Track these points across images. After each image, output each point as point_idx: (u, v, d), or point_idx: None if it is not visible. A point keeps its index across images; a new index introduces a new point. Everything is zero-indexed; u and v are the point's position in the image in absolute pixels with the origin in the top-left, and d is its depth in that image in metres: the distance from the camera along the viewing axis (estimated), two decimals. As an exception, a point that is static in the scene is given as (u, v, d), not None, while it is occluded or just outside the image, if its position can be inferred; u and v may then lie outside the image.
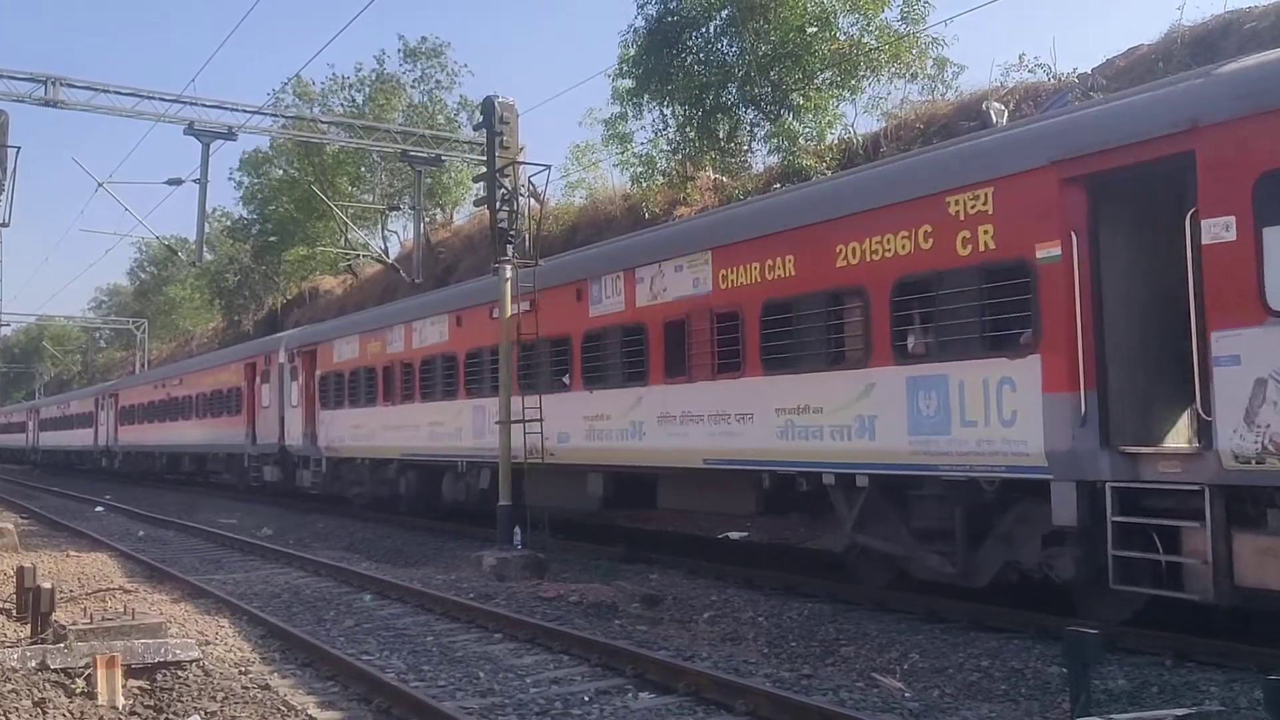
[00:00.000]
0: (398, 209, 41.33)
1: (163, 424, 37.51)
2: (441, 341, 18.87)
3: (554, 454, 15.02)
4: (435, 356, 18.94)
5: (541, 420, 15.20)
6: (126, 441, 43.04)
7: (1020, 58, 22.80)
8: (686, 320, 12.84)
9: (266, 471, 27.04)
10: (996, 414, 9.19)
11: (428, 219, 38.34)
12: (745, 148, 27.46)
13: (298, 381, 25.14)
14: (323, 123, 31.92)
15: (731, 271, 12.26)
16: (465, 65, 47.37)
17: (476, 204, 21.48)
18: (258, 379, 27.90)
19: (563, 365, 15.33)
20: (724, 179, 26.38)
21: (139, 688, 7.59)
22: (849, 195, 11.26)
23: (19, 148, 19.92)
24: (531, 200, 15.96)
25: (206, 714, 7.09)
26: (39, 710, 6.89)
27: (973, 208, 9.53)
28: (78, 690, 7.25)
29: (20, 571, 10.79)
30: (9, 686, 7.09)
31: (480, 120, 16.68)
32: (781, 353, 11.53)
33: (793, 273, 11.39)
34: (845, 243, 10.73)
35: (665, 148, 27.88)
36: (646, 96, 27.28)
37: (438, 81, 40.59)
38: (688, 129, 27.08)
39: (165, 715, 7.12)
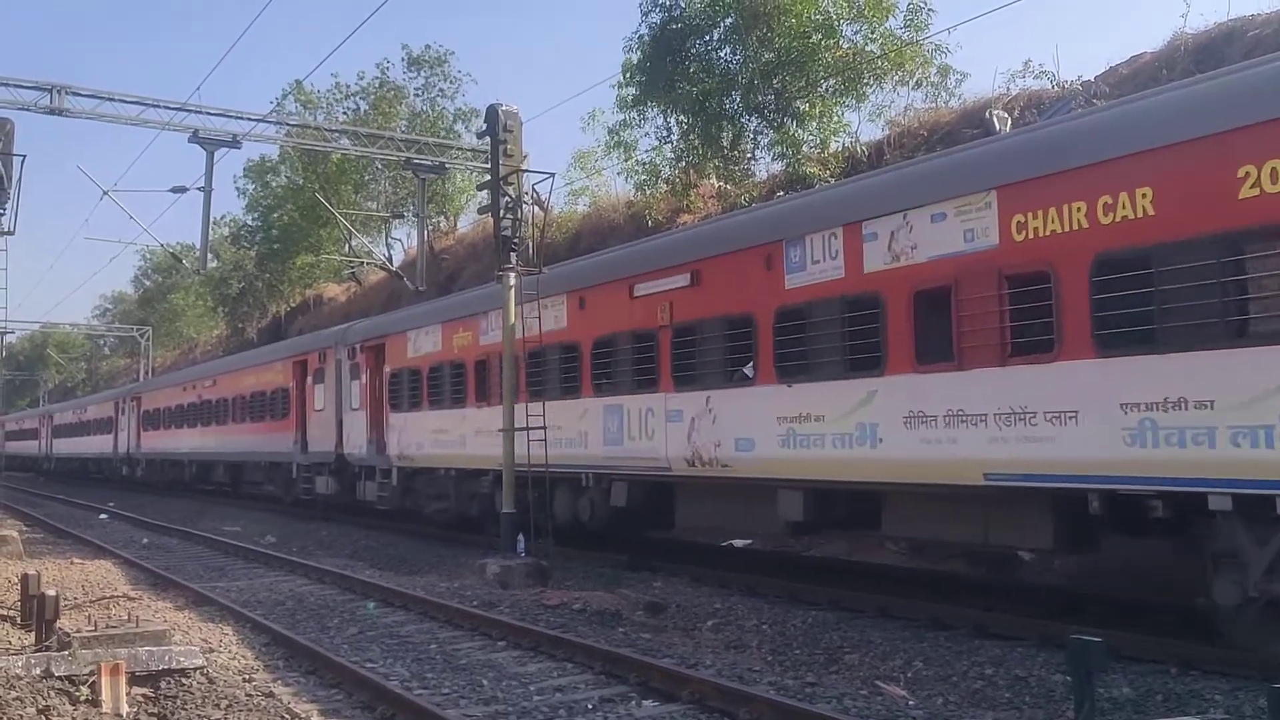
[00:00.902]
0: (401, 216, 41.39)
1: (192, 429, 34.48)
2: (557, 328, 15.73)
3: (729, 465, 12.25)
4: (548, 347, 15.85)
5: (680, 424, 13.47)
6: (150, 449, 39.93)
7: (1026, 64, 22.72)
8: (954, 286, 9.76)
9: (320, 483, 24.13)
10: None
11: (431, 226, 38.37)
12: (749, 155, 27.48)
13: (360, 381, 22.19)
14: (327, 130, 31.94)
15: (1033, 217, 9.17)
16: (469, 74, 47.46)
17: (480, 211, 21.35)
18: (309, 379, 24.98)
19: (742, 352, 12.23)
20: (727, 186, 26.39)
21: (143, 695, 7.60)
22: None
23: (24, 156, 20.01)
24: (535, 208, 15.96)
25: (210, 722, 7.09)
26: (43, 718, 6.90)
27: None
28: (82, 698, 7.26)
29: (25, 579, 10.81)
30: (14, 694, 7.10)
31: (483, 128, 16.72)
32: (1134, 324, 8.41)
33: (1151, 211, 8.31)
34: (1261, 161, 7.61)
35: (669, 155, 27.93)
36: (650, 104, 27.33)
37: (441, 90, 40.69)
38: (691, 136, 27.12)
39: (169, 723, 7.12)
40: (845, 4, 24.76)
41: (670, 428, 13.19)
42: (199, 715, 7.22)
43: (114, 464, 45.50)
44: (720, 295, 12.64)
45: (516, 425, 15.14)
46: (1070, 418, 8.76)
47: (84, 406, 53.98)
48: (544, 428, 14.91)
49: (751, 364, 12.12)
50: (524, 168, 16.03)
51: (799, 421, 11.38)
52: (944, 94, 25.14)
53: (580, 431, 15.04)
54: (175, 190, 29.25)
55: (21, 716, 6.83)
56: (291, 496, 26.65)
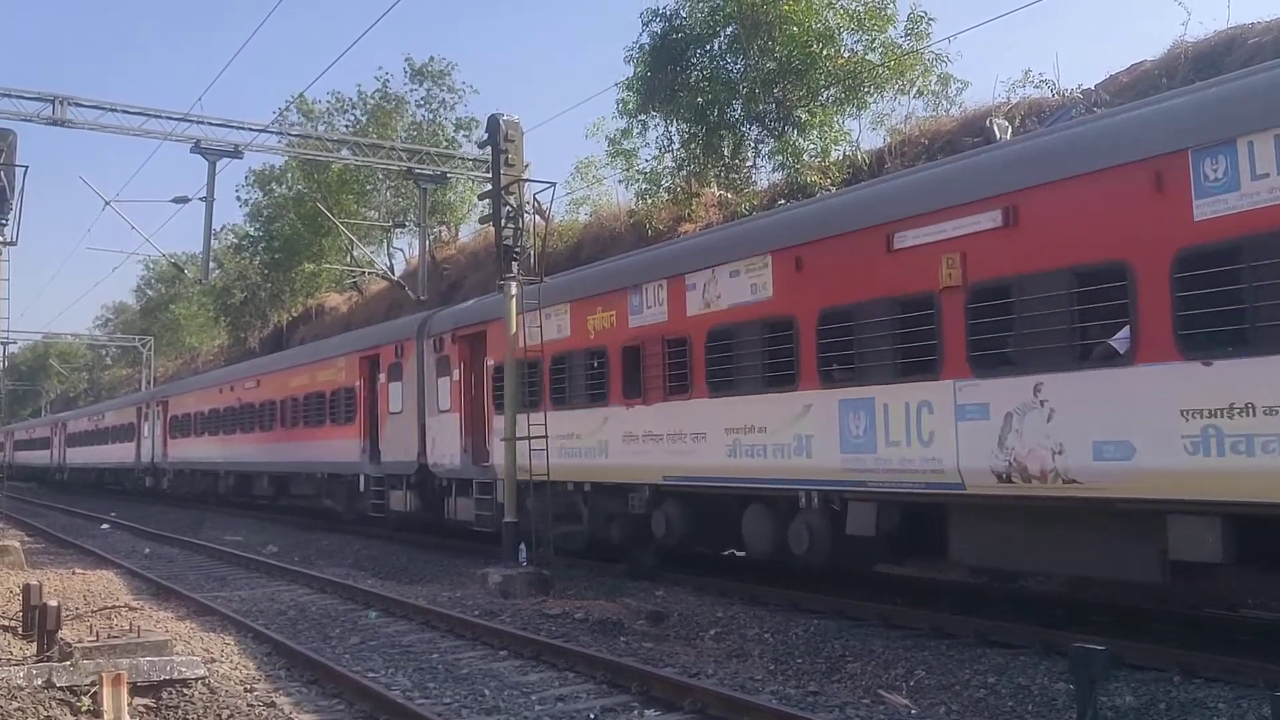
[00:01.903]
0: (403, 226, 41.47)
1: (230, 436, 30.69)
2: (757, 299, 12.06)
3: (1079, 480, 8.61)
4: (740, 324, 12.26)
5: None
6: (179, 458, 35.95)
7: (1026, 73, 22.78)
8: None
9: (395, 499, 20.64)
10: None
11: (432, 236, 38.44)
12: (749, 164, 27.52)
13: (451, 377, 18.41)
14: (328, 141, 32.00)
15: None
16: (471, 86, 47.62)
17: (481, 221, 21.34)
18: (381, 376, 21.32)
19: (1105, 317, 8.68)
20: (728, 195, 26.43)
21: (144, 705, 7.59)
22: None
23: (27, 167, 20.06)
24: (536, 217, 15.98)
25: (212, 732, 7.09)
26: (44, 728, 6.90)
27: None
28: (83, 708, 7.26)
29: (26, 589, 10.79)
30: (15, 705, 7.10)
31: (484, 138, 16.76)
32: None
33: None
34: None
35: (670, 164, 27.96)
36: (651, 112, 27.39)
37: (442, 101, 40.82)
38: (692, 145, 27.16)
39: (170, 733, 7.12)
40: (846, 14, 24.82)
41: (963, 428, 9.61)
42: (200, 725, 7.22)
43: (136, 475, 41.74)
44: (1060, 237, 8.92)
45: (665, 427, 13.09)
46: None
47: (101, 413, 49.84)
48: (545, 436, 14.86)
49: (1127, 332, 8.46)
50: (525, 177, 16.05)
51: (1227, 416, 7.68)
52: (945, 102, 25.20)
53: (797, 436, 11.36)
54: (177, 200, 29.38)
55: (23, 727, 6.83)
56: (356, 513, 23.09)
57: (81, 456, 52.18)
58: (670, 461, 13.16)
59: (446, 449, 18.50)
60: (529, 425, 15.00)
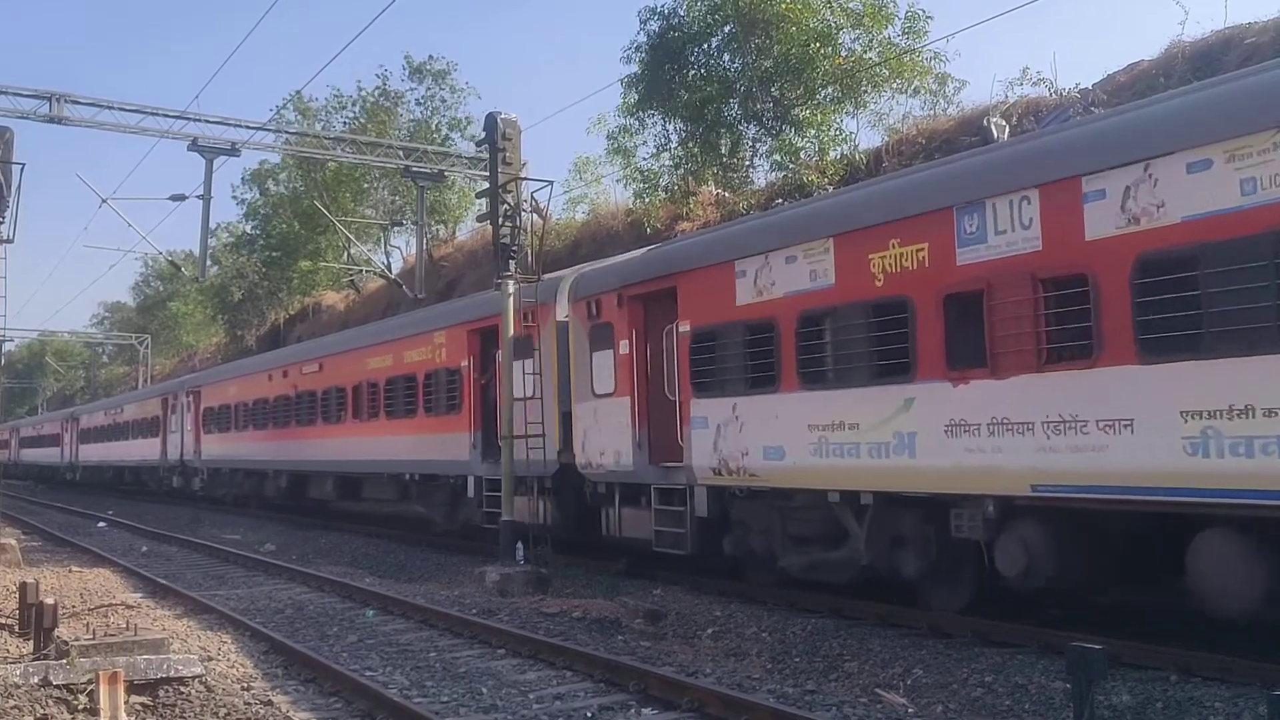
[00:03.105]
0: (400, 224, 41.48)
1: (282, 430, 26.61)
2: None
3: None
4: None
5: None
6: (215, 455, 31.77)
7: (1024, 72, 22.80)
8: None
9: (522, 506, 15.76)
10: None
11: (430, 234, 38.45)
12: (747, 163, 27.54)
13: (614, 350, 14.21)
14: (326, 138, 31.98)
15: None
16: (472, 87, 47.70)
17: (479, 219, 21.34)
18: (501, 352, 16.34)
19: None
20: (726, 194, 26.45)
21: (141, 704, 7.59)
22: None
23: (24, 164, 20.05)
24: (534, 215, 15.99)
25: (209, 730, 7.08)
26: (41, 726, 6.90)
27: None
28: (80, 706, 7.25)
29: (23, 587, 10.79)
30: (11, 703, 7.09)
31: (481, 136, 16.77)
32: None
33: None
34: None
35: (668, 163, 27.99)
36: (650, 110, 27.41)
37: (442, 100, 40.84)
38: (690, 144, 27.19)
39: (168, 731, 7.12)
40: (844, 12, 24.85)
41: None
42: (197, 724, 7.22)
43: (162, 474, 37.24)
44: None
45: (1039, 412, 8.86)
46: None
47: (120, 406, 45.10)
48: (538, 434, 14.88)
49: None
50: (523, 175, 16.06)
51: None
52: (942, 102, 25.24)
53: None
54: (174, 198, 29.38)
55: (20, 725, 6.83)
56: (458, 523, 18.92)
57: (96, 454, 47.55)
58: (1046, 463, 8.81)
59: (607, 444, 14.16)
60: (735, 413, 11.89)
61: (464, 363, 18.08)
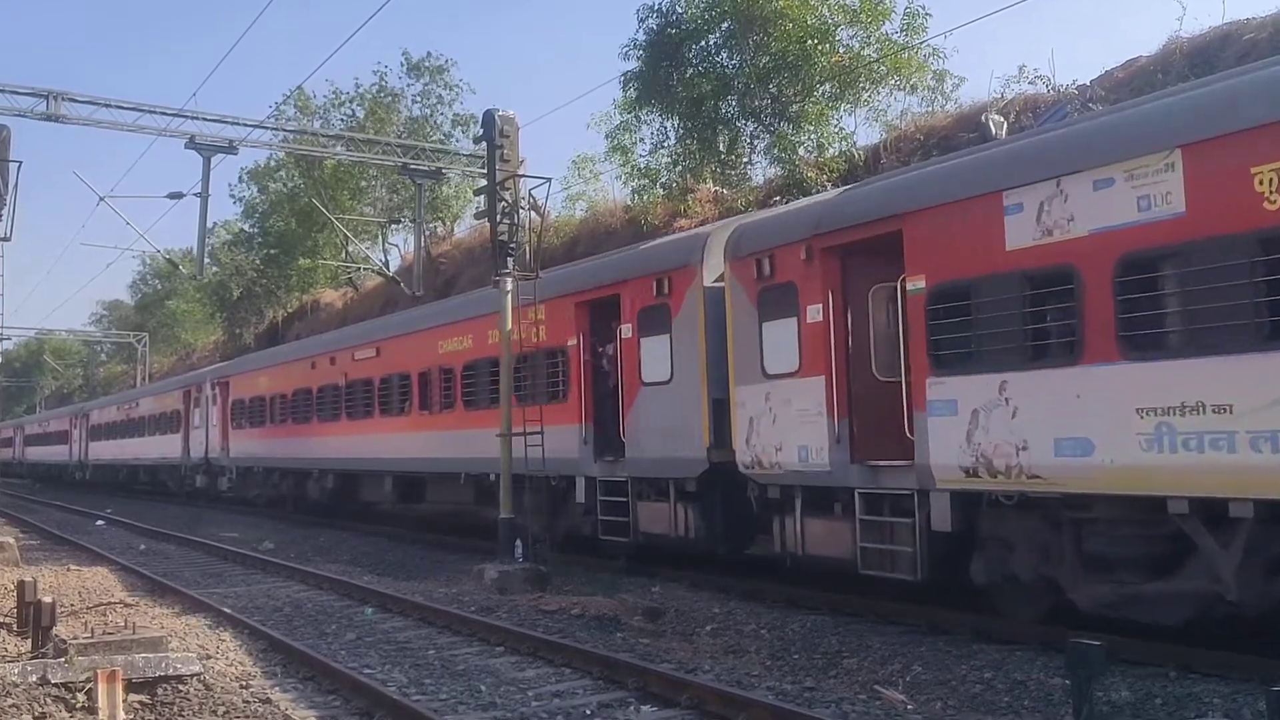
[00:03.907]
0: (398, 222, 41.47)
1: (329, 424, 23.44)
2: None
3: None
4: None
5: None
6: (246, 453, 28.85)
7: (1021, 69, 22.81)
8: None
9: (652, 514, 13.82)
10: None
11: (428, 232, 38.45)
12: (745, 160, 27.55)
13: (798, 318, 11.40)
14: (323, 136, 31.98)
15: None
16: (468, 84, 47.73)
17: (477, 217, 21.24)
18: (626, 327, 14.16)
19: None
20: (724, 191, 26.45)
21: (140, 702, 7.58)
22: None
23: (21, 162, 20.02)
24: (532, 213, 15.97)
25: (207, 728, 7.08)
26: (39, 725, 6.89)
27: None
28: (78, 705, 7.24)
29: (21, 586, 10.79)
30: (9, 701, 7.08)
31: (479, 133, 16.74)
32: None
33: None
34: None
35: (666, 160, 28.00)
36: (648, 107, 27.42)
37: (439, 97, 40.85)
38: (688, 141, 27.19)
39: (166, 730, 7.11)
40: (841, 9, 24.85)
41: None
42: (196, 722, 7.21)
43: (184, 474, 34.44)
44: None
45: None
46: None
47: (135, 400, 42.18)
48: (540, 431, 14.84)
49: None
50: (521, 173, 16.05)
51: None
52: (940, 98, 25.24)
53: None
54: (172, 196, 29.42)
55: (18, 724, 6.82)
56: (561, 533, 15.96)
57: (109, 452, 44.54)
58: None
59: (786, 437, 11.38)
60: (1005, 391, 9.15)
61: (571, 341, 15.29)
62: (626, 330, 14.18)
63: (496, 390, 16.10)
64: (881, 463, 10.51)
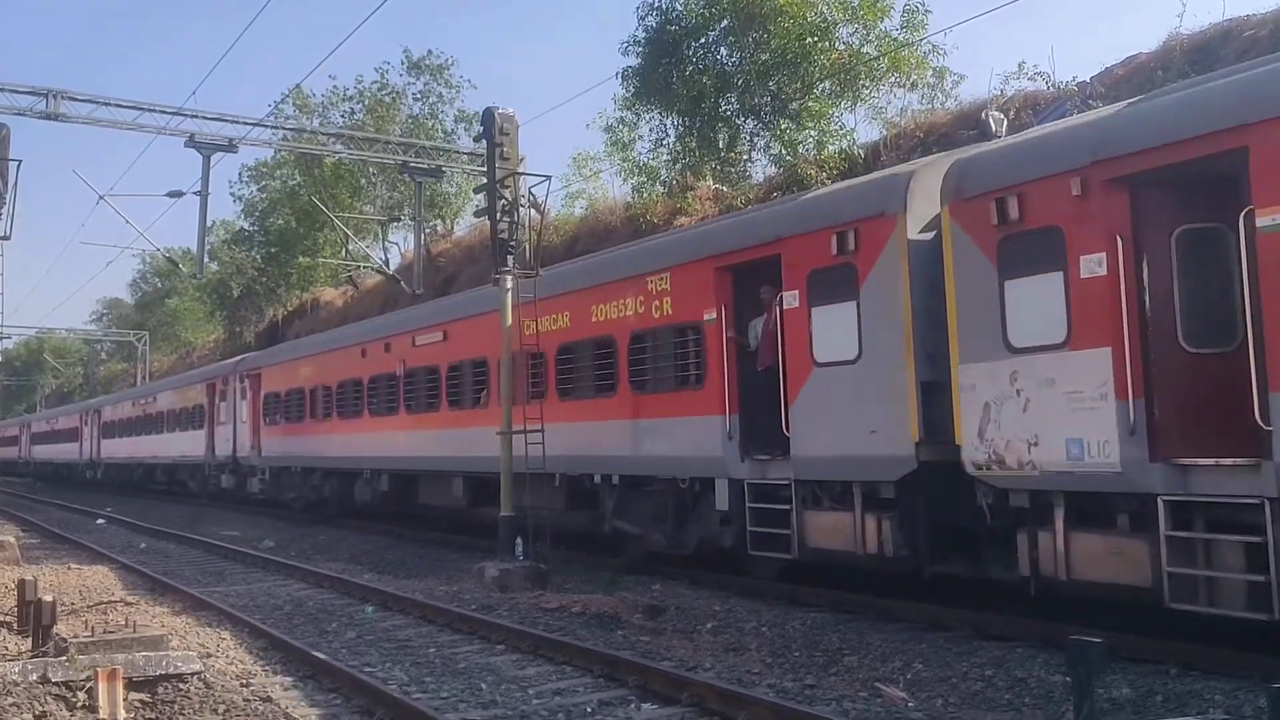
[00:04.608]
0: (398, 220, 41.48)
1: (384, 418, 20.85)
2: None
3: None
4: None
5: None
6: (281, 451, 26.28)
7: (1020, 66, 22.79)
8: None
9: (827, 526, 11.27)
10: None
11: (428, 230, 38.47)
12: (745, 157, 27.55)
13: (1072, 270, 8.88)
14: (323, 135, 31.97)
15: None
16: (469, 81, 47.81)
17: (477, 215, 21.20)
18: (792, 295, 11.58)
19: None
20: (724, 189, 26.45)
21: (140, 700, 7.57)
22: None
23: (20, 161, 20.06)
24: (532, 211, 15.95)
25: (208, 727, 7.07)
26: (40, 724, 6.89)
27: None
28: (79, 704, 7.24)
29: (21, 584, 10.79)
30: (10, 700, 7.08)
31: (479, 131, 16.71)
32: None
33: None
34: None
35: (665, 157, 28.01)
36: (647, 104, 27.44)
37: (440, 95, 40.88)
38: (688, 139, 27.20)
39: (167, 728, 7.11)
40: (841, 6, 24.85)
41: None
42: (196, 720, 7.20)
43: (207, 474, 32.08)
44: None
45: None
46: None
47: (152, 395, 39.57)
48: (541, 430, 14.80)
49: None
50: (520, 171, 16.03)
51: None
52: (940, 95, 25.24)
53: None
54: (172, 195, 29.41)
55: (18, 722, 6.82)
56: (692, 545, 13.64)
57: (123, 450, 42.21)
58: None
59: (1046, 428, 8.95)
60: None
61: (708, 315, 12.75)
62: (791, 299, 11.50)
63: (609, 375, 14.44)
64: (1199, 461, 8.08)
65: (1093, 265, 8.66)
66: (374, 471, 21.67)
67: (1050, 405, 8.90)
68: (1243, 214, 7.74)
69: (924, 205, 10.35)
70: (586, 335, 14.98)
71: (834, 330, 10.99)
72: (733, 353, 12.56)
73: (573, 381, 15.31)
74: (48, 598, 9.53)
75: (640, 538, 14.24)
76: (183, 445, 34.08)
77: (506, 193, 15.55)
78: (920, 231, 10.33)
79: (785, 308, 11.59)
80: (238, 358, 33.09)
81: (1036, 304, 9.06)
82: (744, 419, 12.39)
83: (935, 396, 10.04)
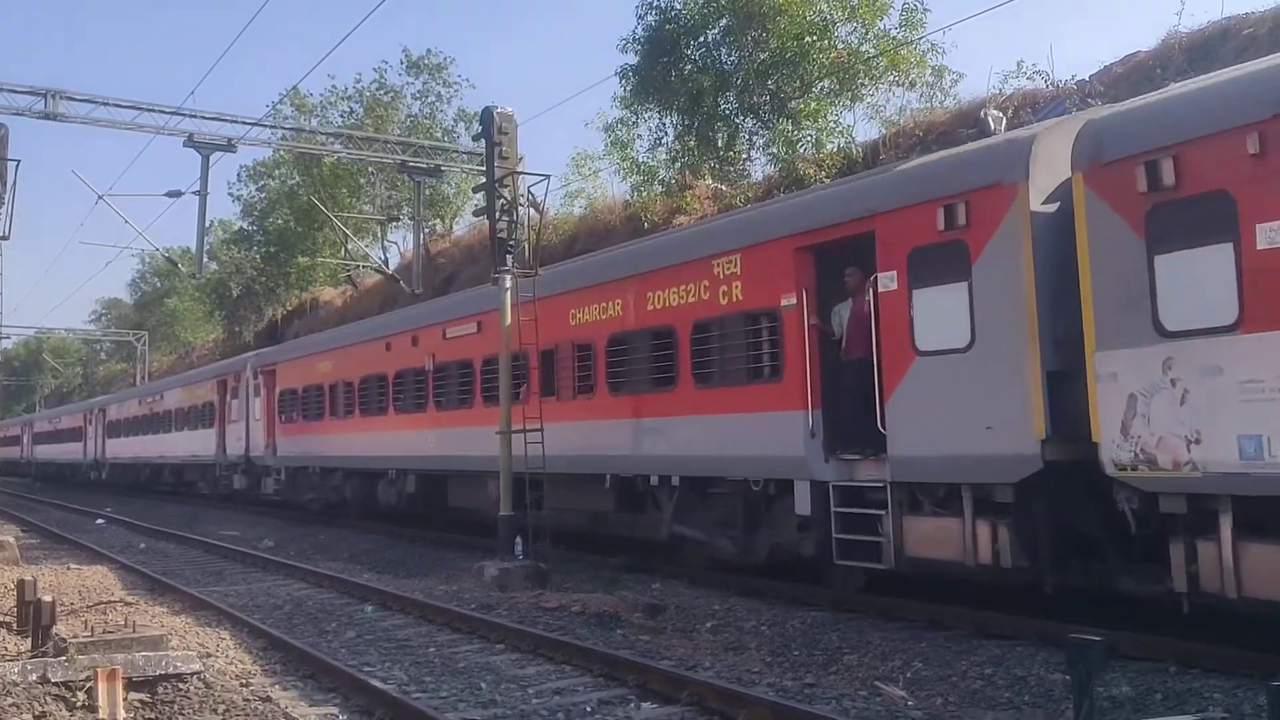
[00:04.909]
0: (397, 220, 41.49)
1: (411, 415, 19.76)
2: None
3: None
4: None
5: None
6: (298, 451, 25.10)
7: (1019, 65, 22.82)
8: None
9: (951, 536, 9.95)
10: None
11: (427, 229, 38.51)
12: (744, 156, 27.56)
13: None
14: (322, 134, 31.97)
15: None
16: (467, 80, 47.89)
17: (476, 214, 21.18)
18: (891, 275, 10.44)
19: None
20: (723, 187, 26.46)
21: (140, 700, 7.57)
22: None
23: (19, 161, 20.07)
24: (531, 210, 15.94)
25: (208, 727, 7.07)
26: (40, 724, 6.88)
27: None
28: (78, 704, 7.23)
29: (21, 585, 10.79)
30: (9, 700, 7.08)
31: (478, 131, 16.70)
32: None
33: None
34: None
35: (664, 156, 28.03)
36: (646, 103, 27.45)
37: (438, 94, 40.90)
38: (687, 138, 27.21)
39: (166, 728, 7.10)
40: (839, 5, 24.86)
41: None
42: (196, 720, 7.20)
43: (219, 474, 31.10)
44: None
45: None
46: None
47: (159, 393, 38.34)
48: (540, 429, 14.78)
49: None
50: (519, 170, 16.02)
51: None
52: (939, 94, 25.24)
53: None
54: (171, 195, 29.39)
55: (18, 723, 6.82)
56: (765, 553, 12.45)
57: (129, 450, 41.15)
58: None
59: (1222, 423, 7.86)
60: None
61: (787, 300, 11.55)
62: (887, 280, 10.38)
63: (662, 369, 13.38)
64: None
65: (1273, 234, 7.52)
66: (399, 472, 20.54)
67: (1217, 397, 7.77)
68: None
69: (1048, 172, 9.30)
70: (642, 325, 13.82)
71: (940, 315, 9.83)
72: (815, 342, 11.38)
73: (625, 375, 14.15)
74: (47, 598, 9.52)
75: (704, 544, 13.08)
76: (192, 445, 33.07)
77: (505, 192, 15.54)
78: (1044, 202, 9.27)
79: (881, 290, 10.45)
80: (251, 353, 31.76)
81: (1197, 281, 7.92)
82: (827, 415, 11.28)
83: (1063, 388, 8.98)
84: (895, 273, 10.30)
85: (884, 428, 10.28)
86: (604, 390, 14.49)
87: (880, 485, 10.43)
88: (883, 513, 10.32)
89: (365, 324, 25.44)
